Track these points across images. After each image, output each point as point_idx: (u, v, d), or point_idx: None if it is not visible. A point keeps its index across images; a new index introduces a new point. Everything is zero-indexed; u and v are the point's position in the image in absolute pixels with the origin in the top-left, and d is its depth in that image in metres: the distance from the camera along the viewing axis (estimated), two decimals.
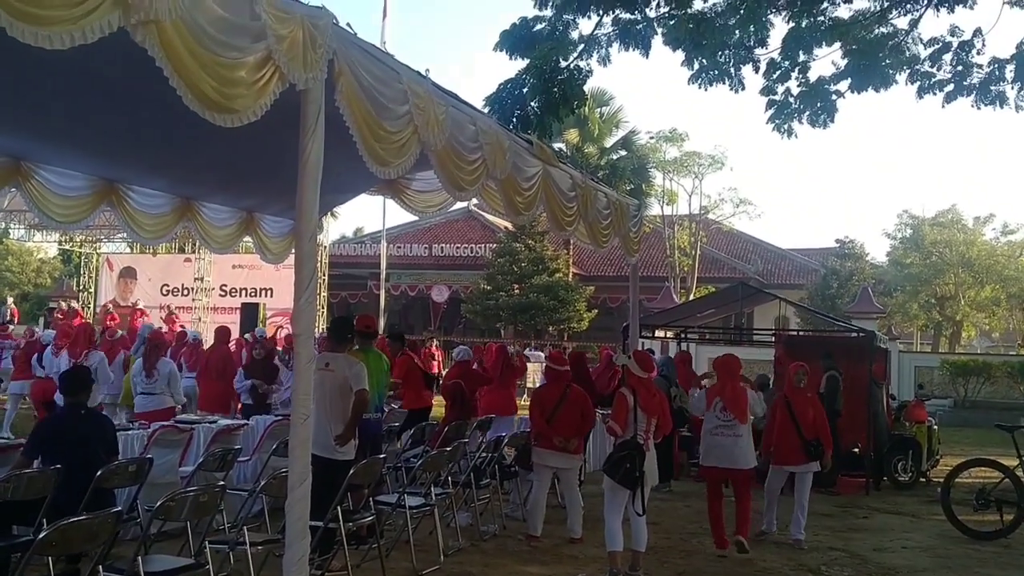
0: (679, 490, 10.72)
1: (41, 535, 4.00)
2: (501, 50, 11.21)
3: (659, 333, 15.18)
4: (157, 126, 6.38)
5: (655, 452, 6.87)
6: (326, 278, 25.76)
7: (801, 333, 18.68)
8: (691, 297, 30.65)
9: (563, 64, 10.81)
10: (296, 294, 4.37)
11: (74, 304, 26.87)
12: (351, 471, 6.06)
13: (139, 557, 4.49)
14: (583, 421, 7.97)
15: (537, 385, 20.59)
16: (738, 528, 7.60)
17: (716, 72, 11.80)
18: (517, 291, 31.49)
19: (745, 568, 7.30)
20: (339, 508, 5.92)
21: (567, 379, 8.10)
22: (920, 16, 11.89)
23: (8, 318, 24.10)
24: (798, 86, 12.51)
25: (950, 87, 11.95)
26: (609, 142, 35.03)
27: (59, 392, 6.66)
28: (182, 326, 19.09)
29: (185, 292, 27.10)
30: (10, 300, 28.95)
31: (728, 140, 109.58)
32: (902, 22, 12.06)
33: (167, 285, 27.81)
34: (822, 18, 11.94)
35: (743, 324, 18.92)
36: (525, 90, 10.60)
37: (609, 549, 6.58)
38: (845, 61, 12.16)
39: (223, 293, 26.93)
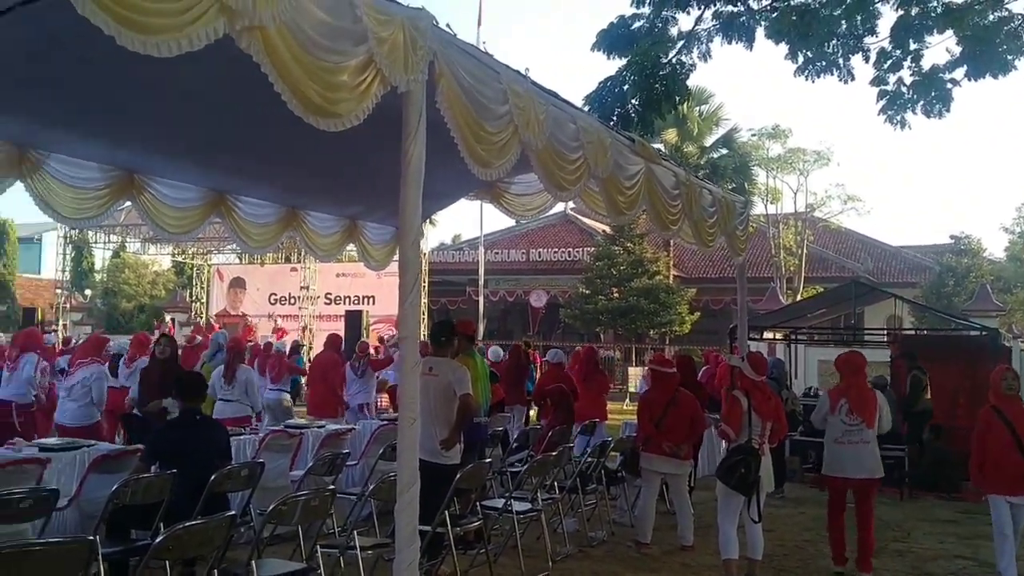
0: (792, 496, 10.38)
1: (158, 540, 4.06)
2: (599, 50, 11.06)
3: (767, 335, 14.76)
4: (263, 135, 6.48)
5: (770, 457, 6.62)
6: (427, 284, 26.05)
7: (918, 333, 17.91)
8: (798, 298, 29.82)
9: (664, 60, 10.59)
10: (400, 298, 4.33)
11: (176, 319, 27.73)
12: (458, 476, 6.02)
13: (253, 561, 4.53)
14: (693, 426, 7.75)
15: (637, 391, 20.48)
16: (860, 558, 6.99)
17: (824, 63, 11.38)
18: (616, 295, 31.16)
19: None
20: (447, 513, 5.88)
21: (675, 383, 7.89)
22: None
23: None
24: (911, 75, 11.96)
25: None
26: (709, 141, 34.34)
27: (174, 397, 6.81)
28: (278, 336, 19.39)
29: (292, 301, 27.84)
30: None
31: (834, 135, 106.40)
32: (1018, 6, 11.47)
33: (275, 294, 28.62)
34: (933, 3, 11.39)
35: (853, 324, 18.24)
36: (626, 87, 10.40)
37: (724, 557, 6.36)
38: (959, 48, 11.59)
39: (328, 301, 27.55)
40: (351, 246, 9.93)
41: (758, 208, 34.21)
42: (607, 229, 32.74)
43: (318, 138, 4.36)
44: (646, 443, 7.71)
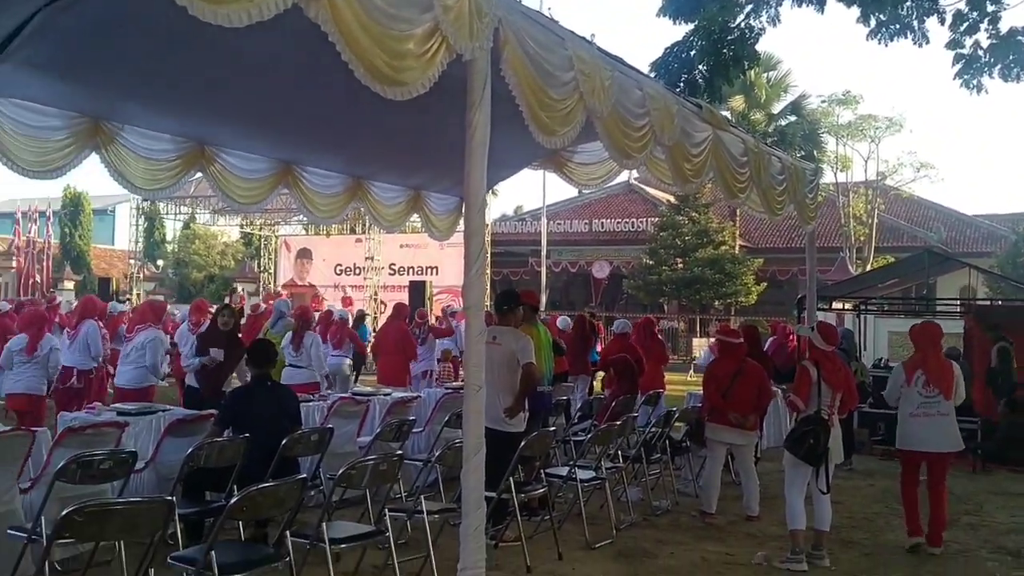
0: (861, 468, 10.22)
1: (233, 500, 4.17)
2: (665, 15, 10.87)
3: (836, 305, 14.49)
4: (330, 106, 6.55)
5: (840, 428, 6.52)
6: (489, 255, 26.11)
7: (993, 303, 17.40)
8: (868, 268, 29.18)
9: (732, 24, 10.36)
10: (466, 267, 4.35)
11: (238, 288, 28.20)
12: (522, 443, 6.06)
13: (323, 523, 4.63)
14: (760, 396, 7.67)
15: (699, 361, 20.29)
16: (931, 533, 6.79)
17: (897, 26, 11.03)
18: (681, 265, 30.90)
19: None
20: (511, 479, 5.94)
21: (742, 353, 7.80)
22: None
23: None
24: (988, 38, 11.52)
25: None
26: (777, 108, 33.66)
27: (247, 365, 6.96)
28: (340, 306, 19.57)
29: (357, 271, 28.21)
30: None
31: (907, 100, 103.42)
32: None
33: (340, 265, 29.02)
34: None
35: (925, 295, 17.77)
36: (692, 53, 10.22)
37: (791, 528, 6.31)
38: None
39: (392, 272, 27.85)
40: (415, 217, 10.01)
41: (828, 176, 33.48)
42: (671, 199, 32.42)
43: (383, 108, 4.40)
44: (712, 413, 7.65)
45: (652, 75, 9.36)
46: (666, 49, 10.62)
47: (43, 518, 4.41)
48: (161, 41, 5.40)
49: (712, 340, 17.98)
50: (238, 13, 3.15)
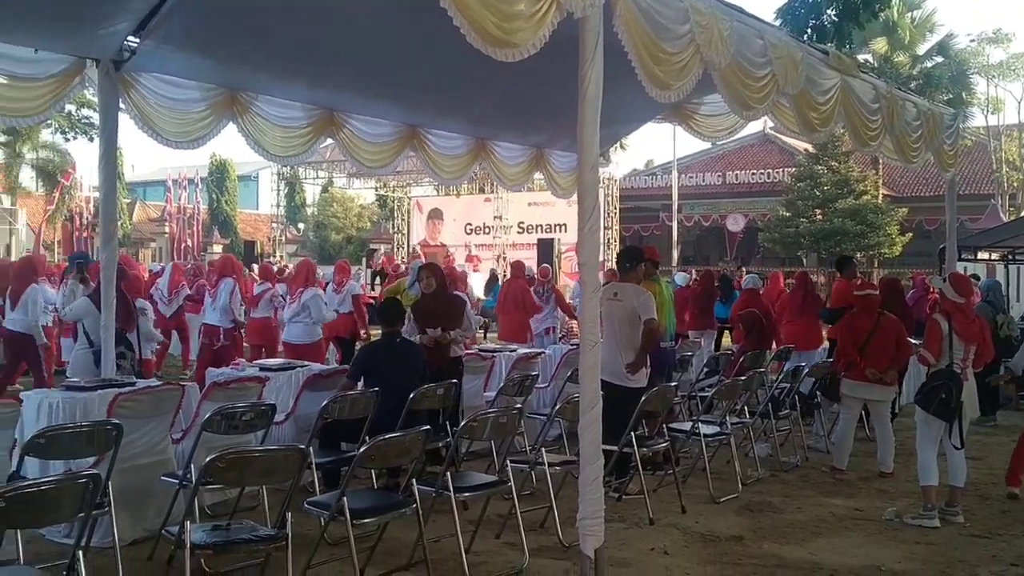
0: (1006, 424, 9.77)
1: (363, 449, 4.41)
2: None
3: (982, 255, 13.76)
4: (449, 69, 6.66)
5: (974, 382, 6.28)
6: (616, 211, 25.93)
7: None
8: (1022, 215, 27.47)
9: None
10: (579, 224, 4.40)
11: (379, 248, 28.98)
12: (643, 398, 6.11)
13: (448, 473, 4.82)
14: (898, 351, 7.41)
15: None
16: None
17: None
18: (819, 216, 29.86)
19: None
20: (633, 434, 6.00)
21: (878, 305, 7.57)
22: None
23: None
24: None
25: None
26: (922, 49, 31.78)
27: (379, 323, 7.23)
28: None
29: (486, 231, 28.53)
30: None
31: None
32: None
33: (470, 224, 29.40)
34: None
35: None
36: None
37: (923, 483, 6.14)
38: None
39: (520, 230, 28.02)
40: (539, 174, 10.09)
41: (978, 120, 31.70)
42: (809, 148, 31.33)
43: (502, 68, 4.46)
44: (848, 369, 7.45)
45: (778, 22, 9.08)
46: None
47: (192, 465, 4.75)
48: (288, 13, 5.64)
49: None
50: None
